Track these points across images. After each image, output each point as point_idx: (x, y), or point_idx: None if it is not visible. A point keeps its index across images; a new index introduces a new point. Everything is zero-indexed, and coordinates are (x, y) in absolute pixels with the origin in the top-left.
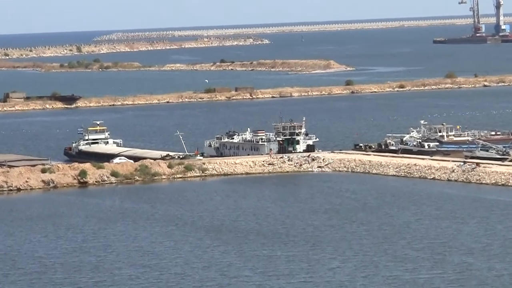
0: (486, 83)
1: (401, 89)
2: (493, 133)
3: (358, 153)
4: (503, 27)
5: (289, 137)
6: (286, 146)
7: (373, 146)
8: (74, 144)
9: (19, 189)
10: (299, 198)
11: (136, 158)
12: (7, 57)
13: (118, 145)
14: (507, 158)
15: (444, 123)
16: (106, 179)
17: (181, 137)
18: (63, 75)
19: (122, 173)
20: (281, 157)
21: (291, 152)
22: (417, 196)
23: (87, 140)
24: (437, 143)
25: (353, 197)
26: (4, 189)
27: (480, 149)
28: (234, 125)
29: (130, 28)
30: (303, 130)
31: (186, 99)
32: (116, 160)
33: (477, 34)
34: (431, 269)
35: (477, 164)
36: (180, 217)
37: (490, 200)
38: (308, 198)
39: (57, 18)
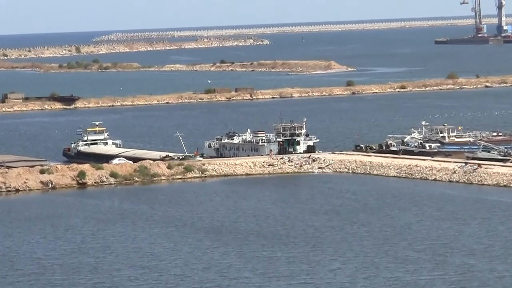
0: (488, 84)
1: (402, 90)
2: (494, 134)
3: (359, 154)
4: (505, 27)
5: (290, 138)
6: (287, 147)
7: (374, 147)
8: (73, 145)
9: (17, 190)
10: (300, 199)
11: (135, 159)
12: (6, 58)
13: (117, 146)
14: (509, 159)
15: (446, 124)
16: (105, 180)
17: (180, 138)
18: (62, 75)
19: (121, 174)
20: (282, 158)
21: (292, 153)
22: (418, 197)
23: (86, 141)
24: (439, 144)
25: (354, 198)
26: (3, 190)
27: (482, 150)
28: (234, 126)
29: (129, 28)
30: (303, 131)
31: (186, 100)
32: (115, 161)
33: (479, 35)
34: (432, 270)
35: (479, 165)
36: (180, 218)
37: (492, 201)
38: (309, 199)
39: (56, 18)
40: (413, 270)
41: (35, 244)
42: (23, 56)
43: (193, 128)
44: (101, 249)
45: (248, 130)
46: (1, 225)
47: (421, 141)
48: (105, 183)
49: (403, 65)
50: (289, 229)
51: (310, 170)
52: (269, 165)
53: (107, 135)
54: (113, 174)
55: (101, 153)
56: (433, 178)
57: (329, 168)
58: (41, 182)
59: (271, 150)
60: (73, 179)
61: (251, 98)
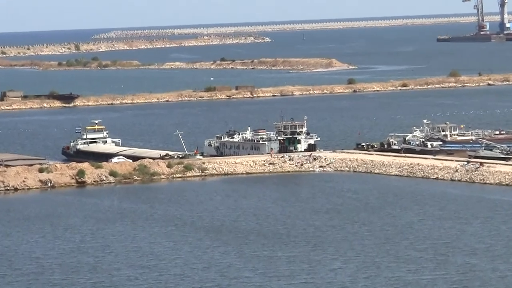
0: (490, 82)
1: (404, 88)
2: (497, 132)
3: (360, 153)
4: (507, 25)
5: (290, 136)
6: (287, 145)
7: (375, 146)
8: (72, 144)
9: (16, 189)
10: (300, 198)
11: (135, 158)
12: (4, 55)
13: (116, 144)
14: (511, 158)
15: (448, 122)
16: (104, 178)
17: (180, 137)
18: (61, 73)
19: (121, 172)
20: (282, 157)
21: (292, 152)
22: (420, 196)
23: (85, 139)
24: (440, 143)
25: (355, 197)
26: (1, 188)
27: (484, 149)
28: (235, 124)
29: (129, 26)
30: (304, 129)
31: (186, 98)
32: (115, 159)
33: (481, 32)
34: (434, 270)
35: (481, 163)
36: (180, 217)
37: (494, 200)
38: (310, 198)
39: (55, 16)
40: (415, 270)
41: (34, 244)
42: (22, 54)
43: (193, 127)
44: (100, 249)
45: (249, 128)
46: (0, 224)
47: (423, 140)
48: (104, 182)
49: (404, 63)
50: (289, 228)
51: (311, 169)
52: (270, 163)
53: (107, 133)
54: (112, 173)
55: (100, 151)
56: (435, 177)
57: (330, 167)
58: (40, 181)
59: (271, 148)
60: (72, 178)
61: (251, 96)
